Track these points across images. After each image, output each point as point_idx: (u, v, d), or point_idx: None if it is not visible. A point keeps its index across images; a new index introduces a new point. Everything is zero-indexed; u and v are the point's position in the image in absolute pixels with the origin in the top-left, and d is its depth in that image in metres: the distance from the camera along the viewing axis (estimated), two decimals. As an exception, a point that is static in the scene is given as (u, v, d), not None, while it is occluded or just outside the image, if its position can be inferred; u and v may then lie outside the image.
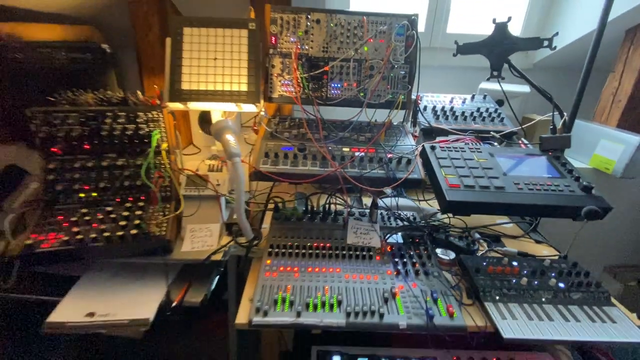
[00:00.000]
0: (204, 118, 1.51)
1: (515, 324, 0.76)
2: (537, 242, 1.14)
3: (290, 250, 0.92)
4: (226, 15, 1.46)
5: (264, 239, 1.00)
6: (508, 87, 1.41)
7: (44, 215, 0.91)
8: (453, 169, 0.98)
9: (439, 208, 1.21)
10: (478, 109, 1.31)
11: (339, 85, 1.15)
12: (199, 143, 1.57)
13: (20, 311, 1.01)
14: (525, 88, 1.54)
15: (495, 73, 1.13)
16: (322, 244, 0.95)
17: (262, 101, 1.13)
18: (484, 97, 1.41)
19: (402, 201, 1.23)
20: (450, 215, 1.15)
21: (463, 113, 1.29)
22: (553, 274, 0.90)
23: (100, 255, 0.89)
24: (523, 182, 0.94)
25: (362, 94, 1.14)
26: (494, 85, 1.53)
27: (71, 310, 0.82)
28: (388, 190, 1.33)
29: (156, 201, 0.94)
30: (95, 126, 0.96)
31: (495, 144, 1.16)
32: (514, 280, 0.88)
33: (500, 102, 1.42)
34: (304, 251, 0.92)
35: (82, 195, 0.96)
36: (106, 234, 0.86)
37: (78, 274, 0.94)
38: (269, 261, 0.89)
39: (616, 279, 1.75)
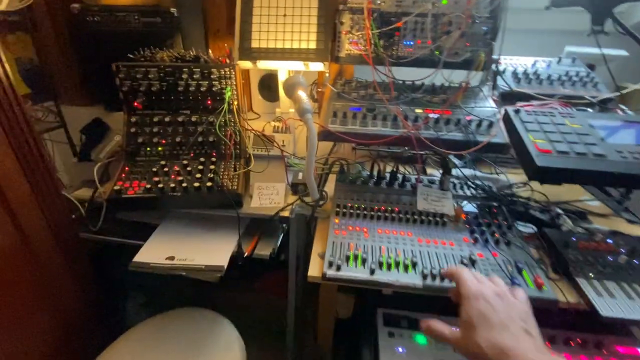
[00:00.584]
0: (264, 83, 1.51)
1: (614, 302, 0.69)
2: (630, 222, 1.02)
3: (357, 212, 0.90)
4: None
5: (328, 200, 0.99)
6: (596, 51, 1.24)
7: (127, 165, 0.97)
8: (542, 133, 0.88)
9: (515, 180, 1.12)
10: (567, 73, 1.16)
11: (411, 43, 1.07)
12: (258, 109, 1.58)
13: (106, 253, 1.11)
14: (622, 52, 1.34)
15: (597, 28, 0.98)
16: (390, 208, 0.92)
17: (329, 62, 1.09)
18: (573, 59, 1.24)
19: (472, 173, 1.15)
20: (532, 187, 1.05)
21: (549, 77, 1.15)
22: (658, 255, 0.80)
23: (177, 205, 0.93)
24: (627, 151, 0.83)
25: (437, 52, 1.05)
26: (582, 49, 1.36)
27: (153, 253, 0.87)
28: (456, 162, 1.26)
29: (230, 157, 0.96)
30: (172, 81, 0.99)
31: (591, 111, 1.03)
32: (609, 258, 0.79)
33: (592, 66, 1.25)
34: (372, 213, 0.89)
35: (160, 149, 1.00)
36: (184, 184, 0.90)
37: (156, 223, 1.01)
38: (337, 220, 0.88)
39: None
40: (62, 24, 1.36)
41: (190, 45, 1.63)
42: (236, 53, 1.06)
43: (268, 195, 1.00)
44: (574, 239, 0.84)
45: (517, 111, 0.96)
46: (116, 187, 0.89)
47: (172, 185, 0.90)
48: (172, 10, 1.44)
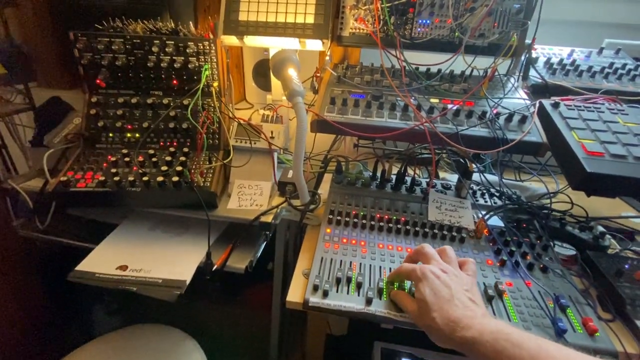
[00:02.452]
0: (259, 70, 1.35)
1: (693, 359, 0.51)
2: (689, 246, 0.83)
3: (355, 220, 0.73)
4: None
5: (322, 203, 0.82)
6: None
7: (84, 153, 0.82)
8: (590, 132, 0.70)
9: (549, 189, 0.94)
10: (611, 65, 0.98)
11: (427, 22, 0.90)
12: (252, 99, 1.42)
13: (55, 256, 0.95)
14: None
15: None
16: (395, 217, 0.75)
17: (329, 40, 0.92)
18: (617, 50, 1.06)
19: (494, 179, 0.98)
20: (570, 198, 0.88)
21: (590, 68, 0.97)
22: None
23: (136, 202, 0.77)
24: (703, 158, 0.65)
25: (457, 34, 0.88)
26: (625, 41, 1.17)
27: (103, 260, 0.72)
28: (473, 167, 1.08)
29: (201, 147, 0.80)
30: (141, 55, 0.83)
31: (643, 107, 0.84)
32: (677, 295, 0.61)
33: (637, 60, 1.06)
34: (372, 223, 0.72)
35: (126, 134, 0.85)
36: (145, 178, 0.74)
37: (117, 222, 0.85)
38: (328, 229, 0.71)
39: None
40: (40, -2, 1.23)
41: (180, 22, 1.49)
42: (221, 26, 0.91)
43: (250, 196, 0.84)
44: (627, 267, 0.66)
45: (555, 105, 0.79)
46: (63, 179, 0.73)
47: (132, 178, 0.75)
48: (159, -16, 1.29)
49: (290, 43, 0.90)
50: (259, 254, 0.80)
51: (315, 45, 0.90)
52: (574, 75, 0.96)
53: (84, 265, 0.69)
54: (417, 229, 0.72)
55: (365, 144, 1.20)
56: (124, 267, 0.70)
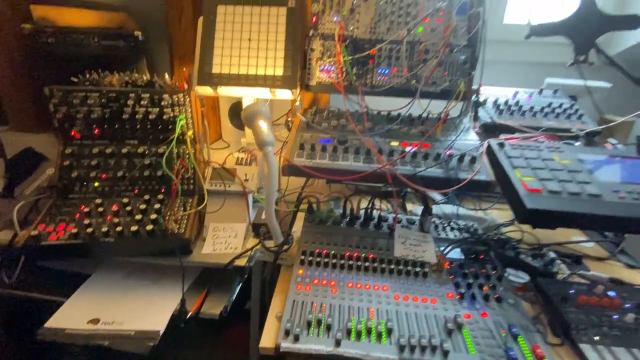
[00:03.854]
0: (235, 111, 1.41)
1: (628, 378, 0.57)
2: (630, 266, 0.92)
3: (326, 260, 0.77)
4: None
5: (295, 243, 0.86)
6: (580, 82, 1.21)
7: (57, 204, 0.82)
8: (530, 170, 0.79)
9: (502, 217, 1.02)
10: (549, 104, 1.11)
11: (386, 72, 1.00)
12: (228, 138, 1.47)
13: (23, 311, 0.92)
14: (604, 83, 1.31)
15: (580, 58, 0.93)
16: (364, 254, 0.79)
17: (298, 89, 1.00)
18: (555, 91, 1.20)
19: (454, 210, 1.05)
20: (525, 227, 0.96)
21: (531, 108, 1.09)
22: (668, 311, 0.69)
23: (110, 252, 0.78)
24: (625, 190, 0.74)
25: (414, 81, 0.98)
26: (563, 80, 1.33)
27: (74, 315, 0.71)
28: (437, 196, 1.16)
29: (175, 194, 0.83)
30: (116, 108, 0.87)
31: (577, 144, 0.96)
32: (615, 316, 0.67)
33: (573, 98, 1.20)
34: (342, 262, 0.77)
35: (97, 184, 0.86)
36: (119, 228, 0.76)
37: (90, 272, 0.85)
38: (301, 271, 0.74)
39: None
40: (13, 45, 1.25)
41: (158, 71, 1.54)
42: (195, 78, 0.96)
43: (224, 239, 0.86)
44: (573, 292, 0.73)
45: (501, 145, 0.88)
46: (34, 233, 0.74)
47: (105, 229, 0.76)
48: (137, 33, 1.35)
49: (261, 93, 0.97)
50: (234, 297, 0.82)
51: (284, 94, 0.97)
52: (518, 114, 1.08)
53: (54, 321, 0.69)
54: (383, 265, 0.76)
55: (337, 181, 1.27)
56: (95, 321, 0.70)
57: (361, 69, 1.00)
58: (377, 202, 0.95)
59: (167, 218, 0.80)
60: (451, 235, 0.89)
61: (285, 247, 0.83)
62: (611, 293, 0.73)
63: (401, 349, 0.58)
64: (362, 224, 0.91)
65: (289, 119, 1.03)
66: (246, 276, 0.89)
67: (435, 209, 1.04)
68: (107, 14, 1.34)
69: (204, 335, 1.09)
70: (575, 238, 1.03)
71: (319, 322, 0.62)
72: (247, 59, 0.96)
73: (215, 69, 0.96)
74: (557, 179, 0.76)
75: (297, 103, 1.05)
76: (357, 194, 1.01)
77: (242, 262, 0.79)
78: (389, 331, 0.60)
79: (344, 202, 0.93)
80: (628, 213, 0.69)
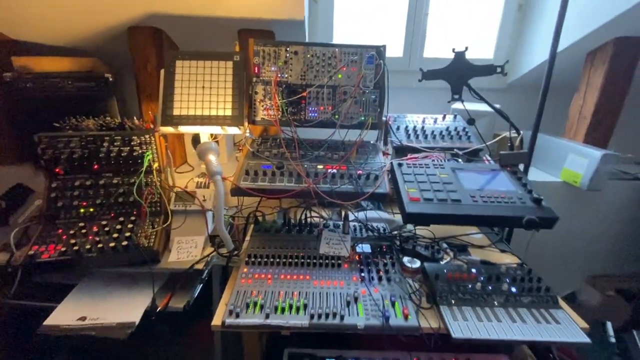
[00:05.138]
0: (196, 140, 1.63)
1: (465, 325, 0.84)
2: (502, 251, 1.22)
3: (266, 260, 1.01)
4: (215, 46, 1.61)
5: (244, 249, 1.09)
6: (478, 106, 1.53)
7: (46, 229, 1.02)
8: (416, 183, 1.07)
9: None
10: (447, 128, 1.41)
11: (315, 109, 1.27)
12: (192, 162, 1.68)
13: (21, 317, 1.10)
14: (488, 108, 1.65)
15: (455, 97, 1.24)
16: (296, 254, 1.04)
17: (246, 124, 1.24)
18: (455, 116, 1.51)
19: (377, 214, 1.32)
20: (417, 226, 1.24)
21: (433, 132, 1.39)
22: (507, 280, 0.98)
23: (93, 265, 0.98)
24: (479, 195, 1.03)
25: (336, 117, 1.25)
26: (465, 106, 1.65)
27: (65, 315, 0.91)
28: (363, 203, 1.43)
29: (145, 216, 1.04)
30: (94, 149, 1.08)
31: (461, 160, 1.26)
32: (469, 286, 0.95)
33: (471, 121, 1.52)
34: (278, 260, 1.01)
35: (81, 210, 1.06)
36: (100, 245, 0.96)
37: (75, 282, 1.04)
38: (245, 269, 0.98)
39: (596, 288, 1.79)
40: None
41: (127, 109, 1.75)
42: (159, 119, 1.19)
43: (187, 249, 1.08)
44: (445, 271, 1.01)
45: (400, 164, 1.16)
46: (30, 252, 0.93)
47: (88, 246, 0.96)
48: (107, 75, 1.56)
49: (214, 130, 1.21)
50: (195, 295, 1.03)
51: (233, 130, 1.21)
52: (422, 137, 1.38)
53: (50, 320, 0.88)
54: (309, 260, 1.01)
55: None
56: (83, 318, 0.90)
57: (296, 107, 1.26)
58: (315, 210, 1.21)
59: (138, 235, 1.01)
60: (365, 234, 1.15)
61: (236, 252, 1.06)
62: (473, 270, 1.01)
63: (312, 317, 0.82)
64: (298, 231, 1.15)
65: (240, 148, 1.28)
66: (206, 278, 1.11)
67: (361, 215, 1.31)
68: (79, 59, 1.54)
69: (173, 332, 1.29)
70: (469, 232, 1.32)
71: (255, 304, 0.85)
72: (201, 102, 1.20)
73: (176, 112, 1.19)
74: (433, 190, 1.05)
75: (247, 134, 1.30)
76: (295, 207, 1.26)
77: (199, 266, 1.01)
78: (305, 306, 0.85)
79: (285, 214, 1.18)
80: (478, 212, 0.98)
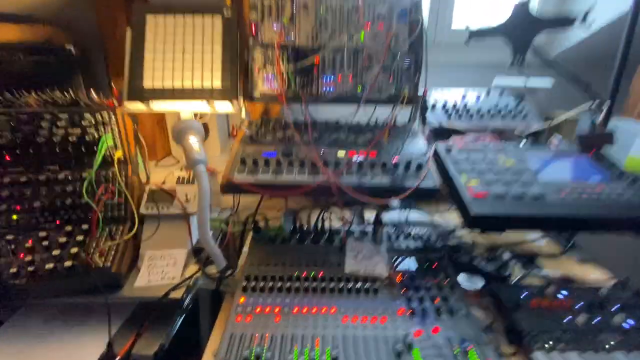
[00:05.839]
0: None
1: (580, 385, 0.55)
2: (581, 261, 0.93)
3: (271, 284, 0.71)
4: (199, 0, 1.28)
5: (240, 267, 0.80)
6: (520, 82, 1.24)
7: (-41, 244, 0.72)
8: (476, 173, 0.78)
9: (457, 223, 1.01)
10: (496, 105, 1.12)
11: (331, 79, 0.97)
12: (178, 154, 1.39)
13: None
14: (546, 82, 1.35)
15: (518, 57, 0.94)
16: (312, 273, 0.74)
17: (241, 100, 0.95)
18: (501, 91, 1.22)
19: (413, 215, 1.03)
20: (475, 230, 0.95)
21: (479, 110, 1.10)
22: (615, 307, 0.69)
23: (22, 296, 0.68)
24: (566, 189, 0.74)
25: (359, 89, 0.96)
26: (508, 81, 1.36)
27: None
28: (394, 201, 1.14)
29: (97, 224, 0.74)
30: (29, 131, 0.78)
31: (522, 144, 0.96)
32: (566, 319, 0.66)
33: (521, 97, 1.23)
34: (289, 284, 0.71)
35: (12, 217, 0.76)
36: (30, 268, 0.66)
37: (3, 319, 0.74)
38: (242, 299, 0.68)
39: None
40: None
41: (97, 87, 1.44)
42: (125, 93, 0.89)
43: (161, 268, 0.78)
44: (525, 296, 0.72)
45: (448, 149, 0.87)
46: None
47: (14, 270, 0.66)
48: (68, 47, 1.25)
49: (199, 106, 0.91)
50: (173, 333, 0.74)
51: (224, 106, 0.92)
52: (467, 117, 1.08)
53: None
54: (333, 284, 0.71)
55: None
56: (2, 378, 0.60)
57: (305, 77, 0.96)
58: (336, 211, 0.91)
59: (90, 251, 0.71)
60: (404, 244, 0.86)
61: (229, 271, 0.77)
62: (562, 294, 0.72)
63: (346, 379, 0.53)
64: (313, 240, 0.86)
65: (235, 135, 0.98)
66: (190, 307, 0.81)
67: (391, 215, 1.02)
68: (33, 27, 1.24)
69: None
70: (529, 235, 1.03)
71: (257, 358, 0.56)
72: (181, 71, 0.90)
73: (147, 83, 0.89)
74: (502, 181, 0.76)
75: (243, 115, 1.00)
76: (307, 208, 0.97)
77: (179, 293, 0.71)
78: (334, 360, 0.55)
79: (294, 217, 0.88)
80: (570, 212, 0.69)
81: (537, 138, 1.03)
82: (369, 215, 1.11)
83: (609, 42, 0.99)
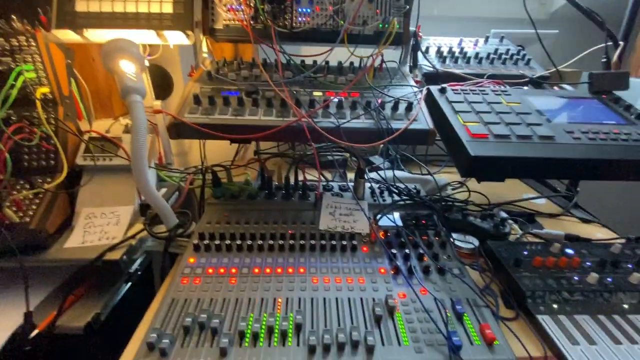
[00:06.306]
0: (153, 75, 1.17)
1: (594, 351, 0.45)
2: (584, 220, 0.84)
3: (228, 242, 0.59)
4: None
5: (196, 226, 0.67)
6: (525, 32, 1.12)
7: None
8: (474, 114, 0.66)
9: (450, 180, 0.90)
10: (496, 51, 0.99)
11: (308, 11, 0.82)
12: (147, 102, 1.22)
13: None
14: (552, 31, 1.22)
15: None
16: (280, 232, 0.62)
17: (200, 34, 0.79)
18: (501, 38, 1.09)
19: (400, 173, 0.91)
20: (468, 187, 0.84)
21: (477, 55, 0.97)
22: (630, 265, 0.60)
23: None
24: (579, 130, 0.63)
25: (341, 21, 0.81)
26: (509, 30, 1.23)
27: None
28: (379, 161, 1.02)
29: (3, 167, 0.60)
30: None
31: (526, 88, 0.84)
32: (575, 277, 0.57)
33: (520, 47, 1.10)
34: (250, 242, 0.59)
35: None
36: None
37: None
38: (191, 259, 0.56)
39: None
40: None
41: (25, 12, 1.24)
42: (54, 18, 0.72)
43: (101, 227, 0.65)
44: (526, 253, 0.62)
45: (442, 90, 0.74)
46: None
47: None
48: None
49: (145, 37, 0.75)
50: (114, 302, 0.62)
51: (177, 38, 0.76)
52: (463, 62, 0.95)
53: None
54: (303, 242, 0.60)
55: (267, 149, 1.08)
56: None
57: (277, 7, 0.81)
58: (316, 174, 0.79)
59: (1, 204, 0.58)
60: (390, 200, 0.74)
61: (181, 231, 0.64)
62: (569, 251, 0.63)
63: (311, 350, 0.42)
64: (284, 196, 0.74)
65: (191, 74, 0.83)
66: (140, 272, 0.69)
67: (374, 176, 0.90)
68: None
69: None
70: (525, 195, 0.94)
71: (201, 327, 0.44)
72: (123, -8, 0.74)
73: (80, 6, 0.73)
74: (505, 122, 0.64)
75: (205, 54, 0.85)
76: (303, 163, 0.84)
77: (115, 255, 0.59)
78: (297, 328, 0.44)
79: (261, 169, 0.76)
80: (585, 155, 0.58)
81: (540, 86, 0.92)
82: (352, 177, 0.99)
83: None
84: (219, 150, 0.95)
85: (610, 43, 0.81)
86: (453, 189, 0.90)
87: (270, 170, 0.89)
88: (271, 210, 0.69)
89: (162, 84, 1.06)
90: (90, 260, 0.58)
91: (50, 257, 0.59)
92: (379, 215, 0.65)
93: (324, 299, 0.49)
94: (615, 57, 0.80)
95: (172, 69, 1.02)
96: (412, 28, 0.85)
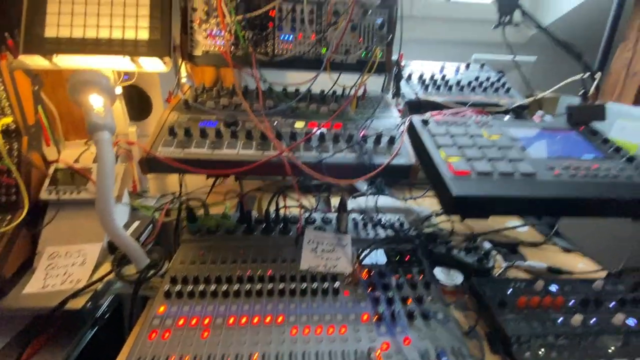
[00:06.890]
0: (129, 97, 1.12)
1: (581, 405, 0.44)
2: (566, 250, 0.84)
3: (202, 287, 0.56)
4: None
5: (170, 266, 0.63)
6: (505, 58, 1.15)
7: None
8: (457, 149, 0.65)
9: (433, 210, 0.90)
10: (477, 78, 1.00)
11: (290, 38, 0.80)
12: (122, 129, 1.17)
13: None
14: (530, 58, 1.26)
15: (504, 19, 0.82)
16: (259, 273, 0.59)
17: (179, 59, 0.77)
18: (482, 65, 1.11)
19: (383, 200, 0.90)
20: (454, 217, 0.83)
21: (459, 82, 0.98)
22: (613, 304, 0.59)
23: None
24: (560, 166, 0.63)
25: (323, 51, 0.80)
26: (489, 56, 1.26)
27: None
28: (363, 185, 1.00)
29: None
30: None
31: (506, 118, 0.85)
32: (559, 319, 0.56)
33: (500, 73, 1.12)
34: (225, 287, 0.56)
35: None
36: None
37: None
38: (162, 308, 0.52)
39: None
40: None
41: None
42: (22, 44, 0.69)
43: (64, 268, 0.61)
44: (510, 292, 0.61)
45: (425, 122, 0.73)
46: None
47: None
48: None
49: (119, 63, 0.72)
50: (75, 354, 0.57)
51: (153, 64, 0.73)
52: (445, 89, 0.96)
53: None
54: (283, 285, 0.57)
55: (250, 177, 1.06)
56: None
57: (259, 34, 0.79)
58: (301, 199, 0.76)
59: (-49, 249, 0.53)
60: (373, 234, 0.72)
61: (152, 272, 0.60)
62: (552, 289, 0.62)
63: (288, 417, 0.39)
64: (264, 230, 0.71)
65: (168, 100, 0.80)
66: (109, 317, 0.65)
67: (359, 202, 0.88)
68: None
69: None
70: (508, 223, 0.94)
71: (167, 392, 0.41)
72: (96, 17, 0.70)
73: (50, 32, 0.69)
74: (487, 158, 0.63)
75: (185, 79, 0.83)
76: (253, 191, 0.81)
77: (78, 303, 0.54)
78: (274, 390, 0.41)
79: (240, 202, 0.73)
80: (566, 193, 0.58)
81: (519, 114, 0.93)
82: (337, 203, 0.98)
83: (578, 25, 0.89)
84: (198, 176, 0.92)
85: (587, 74, 0.83)
86: (437, 215, 0.89)
87: (251, 196, 0.86)
88: (250, 247, 0.66)
89: (140, 104, 1.03)
90: (52, 308, 0.53)
91: (7, 304, 0.54)
92: (362, 255, 0.63)
93: (304, 352, 0.47)
94: (592, 90, 0.82)
95: (151, 90, 0.99)
96: (394, 57, 0.86)
